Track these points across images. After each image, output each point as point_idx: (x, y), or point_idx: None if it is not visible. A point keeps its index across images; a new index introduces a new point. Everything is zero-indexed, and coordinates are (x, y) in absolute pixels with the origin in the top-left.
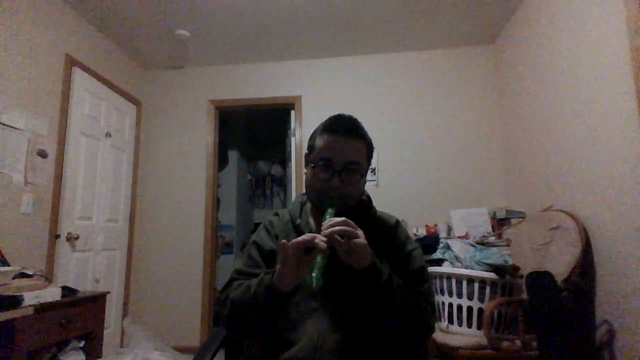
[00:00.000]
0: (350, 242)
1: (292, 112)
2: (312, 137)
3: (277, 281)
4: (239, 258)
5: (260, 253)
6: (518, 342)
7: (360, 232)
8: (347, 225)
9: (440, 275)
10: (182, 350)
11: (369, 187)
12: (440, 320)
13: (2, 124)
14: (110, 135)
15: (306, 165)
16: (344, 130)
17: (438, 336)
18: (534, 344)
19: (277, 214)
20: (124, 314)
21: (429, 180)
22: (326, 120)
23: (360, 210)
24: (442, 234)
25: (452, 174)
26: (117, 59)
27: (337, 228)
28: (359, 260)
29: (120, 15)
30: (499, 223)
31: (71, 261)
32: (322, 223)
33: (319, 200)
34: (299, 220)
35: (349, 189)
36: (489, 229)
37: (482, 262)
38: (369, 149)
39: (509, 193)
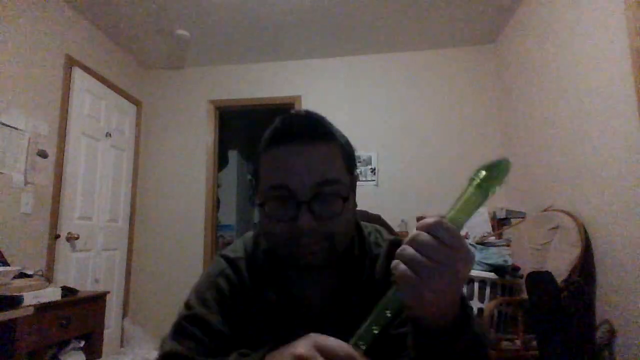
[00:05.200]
0: (435, 277)
1: None
2: (256, 159)
3: None
4: (173, 332)
5: (205, 332)
6: (518, 342)
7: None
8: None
9: None
10: None
11: (369, 187)
12: None
13: (2, 124)
14: (110, 135)
15: (254, 205)
16: (300, 134)
17: None
18: (534, 344)
19: (232, 262)
20: (124, 314)
21: (429, 180)
22: (270, 128)
23: (349, 265)
24: None
25: (452, 173)
26: (117, 59)
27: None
28: (443, 311)
29: (121, 15)
30: (499, 223)
31: (71, 261)
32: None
33: (289, 254)
34: (269, 294)
35: (330, 225)
36: (489, 229)
37: (482, 262)
38: (347, 153)
39: (509, 193)
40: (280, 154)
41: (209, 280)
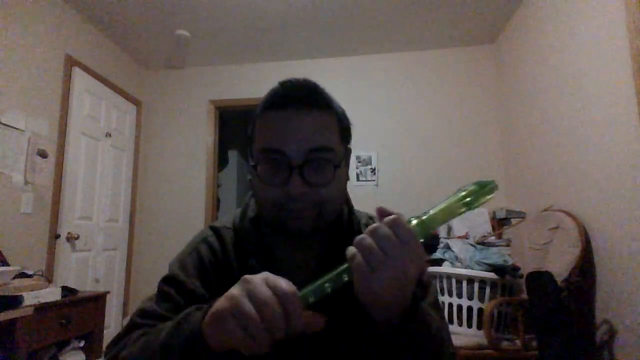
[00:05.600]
0: (388, 269)
1: None
2: (252, 122)
3: (210, 330)
4: (154, 294)
5: (180, 293)
6: (518, 342)
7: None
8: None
9: (440, 275)
10: None
11: (369, 187)
12: None
13: (2, 124)
14: (110, 135)
15: (249, 171)
16: (297, 100)
17: None
18: (534, 344)
19: (216, 230)
20: (124, 314)
21: (428, 180)
22: (268, 92)
23: (335, 236)
24: (442, 234)
25: (452, 173)
26: (117, 59)
27: (376, 235)
28: (388, 304)
29: (120, 15)
30: (499, 223)
31: (71, 261)
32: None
33: (278, 219)
34: (252, 260)
35: (320, 192)
36: (489, 229)
37: (482, 262)
38: (342, 124)
39: (509, 193)
40: (276, 118)
41: (191, 246)
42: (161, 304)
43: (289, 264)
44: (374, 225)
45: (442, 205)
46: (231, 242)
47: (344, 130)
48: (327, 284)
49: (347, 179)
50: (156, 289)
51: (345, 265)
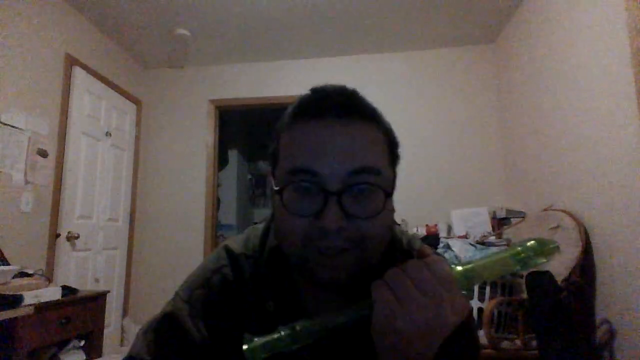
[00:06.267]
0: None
1: None
2: (276, 135)
3: None
4: (153, 327)
5: (182, 346)
6: (518, 342)
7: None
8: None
9: None
10: None
11: None
12: None
13: (2, 123)
14: (110, 135)
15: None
16: (334, 108)
17: None
18: (534, 344)
19: (234, 259)
20: (124, 314)
21: (429, 180)
22: (299, 99)
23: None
24: (442, 234)
25: (452, 173)
26: (117, 59)
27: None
28: (409, 351)
29: (120, 15)
30: (499, 223)
31: (71, 260)
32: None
33: (305, 261)
34: (269, 303)
35: (364, 227)
36: (489, 228)
37: None
38: (391, 141)
39: (509, 193)
40: (308, 131)
41: (203, 275)
42: (155, 350)
43: (316, 309)
44: (409, 262)
45: (493, 257)
46: (249, 276)
47: (392, 147)
48: (332, 320)
49: (394, 211)
50: (158, 319)
51: (366, 300)
